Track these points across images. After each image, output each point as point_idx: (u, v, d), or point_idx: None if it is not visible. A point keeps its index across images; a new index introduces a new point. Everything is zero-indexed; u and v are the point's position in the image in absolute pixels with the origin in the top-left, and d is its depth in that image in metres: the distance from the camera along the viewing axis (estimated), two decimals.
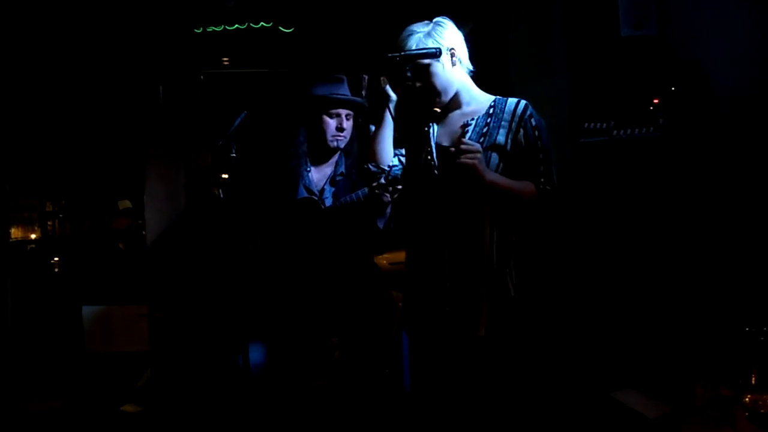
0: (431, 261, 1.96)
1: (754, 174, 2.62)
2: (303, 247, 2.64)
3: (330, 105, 2.64)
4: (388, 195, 2.33)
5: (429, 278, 1.96)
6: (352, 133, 2.72)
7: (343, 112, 2.66)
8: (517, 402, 1.94)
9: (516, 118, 1.93)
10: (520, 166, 1.92)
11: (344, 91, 2.68)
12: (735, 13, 2.76)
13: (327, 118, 2.64)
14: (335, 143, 2.67)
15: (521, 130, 1.92)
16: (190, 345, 3.55)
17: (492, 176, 1.86)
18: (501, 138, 1.92)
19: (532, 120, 1.93)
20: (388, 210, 2.49)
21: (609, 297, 2.86)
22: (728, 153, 2.71)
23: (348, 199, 2.59)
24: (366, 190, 2.50)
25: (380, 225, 2.53)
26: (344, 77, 2.72)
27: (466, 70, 2.01)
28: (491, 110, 1.97)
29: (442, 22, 1.97)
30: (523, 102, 1.96)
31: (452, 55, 1.95)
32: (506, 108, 1.96)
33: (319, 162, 2.74)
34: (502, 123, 1.93)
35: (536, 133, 1.92)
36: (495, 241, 1.89)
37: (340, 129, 2.65)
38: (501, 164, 1.91)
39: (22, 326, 4.19)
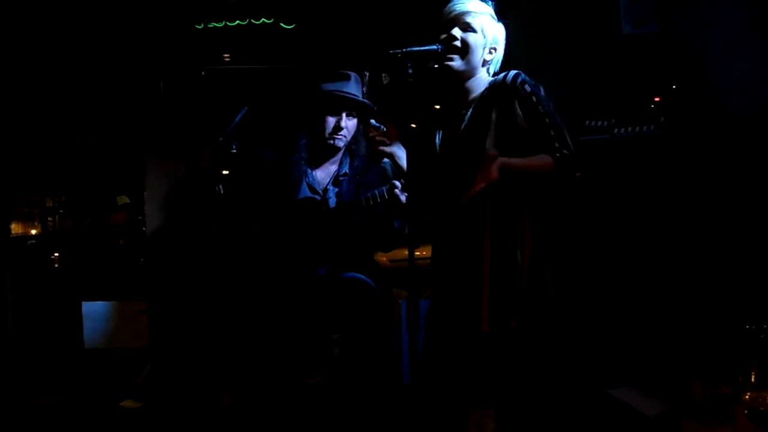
0: (436, 258, 1.95)
1: (754, 172, 2.62)
2: (304, 245, 2.63)
3: (335, 102, 2.60)
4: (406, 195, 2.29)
5: (434, 276, 1.95)
6: (357, 133, 2.68)
7: (344, 111, 2.61)
8: (519, 400, 1.93)
9: (505, 90, 1.84)
10: (526, 139, 1.80)
11: (350, 88, 2.62)
12: (736, 11, 2.77)
13: (327, 116, 2.60)
14: (332, 142, 2.63)
15: (514, 101, 1.82)
16: (190, 341, 3.54)
17: (496, 167, 1.69)
18: (492, 115, 1.84)
19: (526, 86, 1.83)
20: None
21: (608, 294, 2.86)
22: (729, 151, 2.72)
23: (371, 194, 2.48)
24: (387, 187, 2.44)
25: (397, 225, 2.51)
26: (351, 74, 2.66)
27: (492, 63, 1.96)
28: (486, 92, 1.90)
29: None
30: (512, 72, 1.87)
31: (492, 50, 1.92)
32: (497, 83, 1.88)
33: (321, 160, 2.72)
34: (494, 100, 1.86)
35: (533, 98, 1.81)
36: (499, 236, 1.84)
37: (338, 128, 2.60)
38: (496, 143, 1.81)
39: (21, 322, 4.18)
